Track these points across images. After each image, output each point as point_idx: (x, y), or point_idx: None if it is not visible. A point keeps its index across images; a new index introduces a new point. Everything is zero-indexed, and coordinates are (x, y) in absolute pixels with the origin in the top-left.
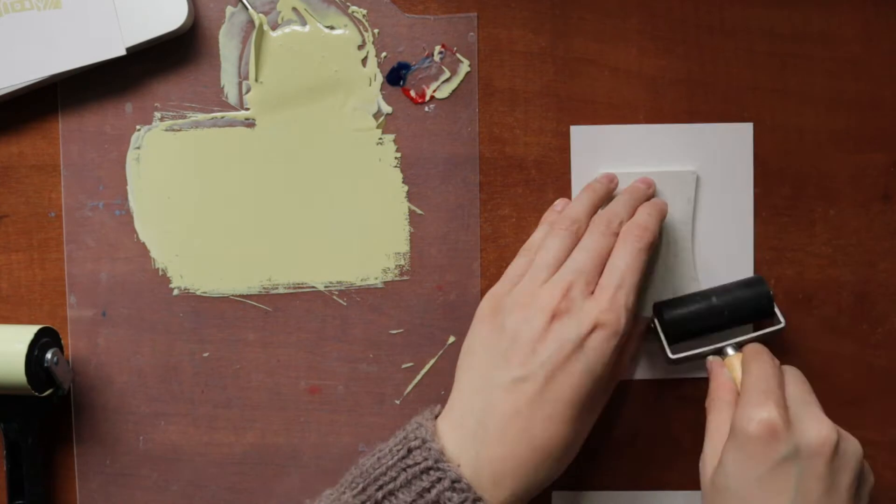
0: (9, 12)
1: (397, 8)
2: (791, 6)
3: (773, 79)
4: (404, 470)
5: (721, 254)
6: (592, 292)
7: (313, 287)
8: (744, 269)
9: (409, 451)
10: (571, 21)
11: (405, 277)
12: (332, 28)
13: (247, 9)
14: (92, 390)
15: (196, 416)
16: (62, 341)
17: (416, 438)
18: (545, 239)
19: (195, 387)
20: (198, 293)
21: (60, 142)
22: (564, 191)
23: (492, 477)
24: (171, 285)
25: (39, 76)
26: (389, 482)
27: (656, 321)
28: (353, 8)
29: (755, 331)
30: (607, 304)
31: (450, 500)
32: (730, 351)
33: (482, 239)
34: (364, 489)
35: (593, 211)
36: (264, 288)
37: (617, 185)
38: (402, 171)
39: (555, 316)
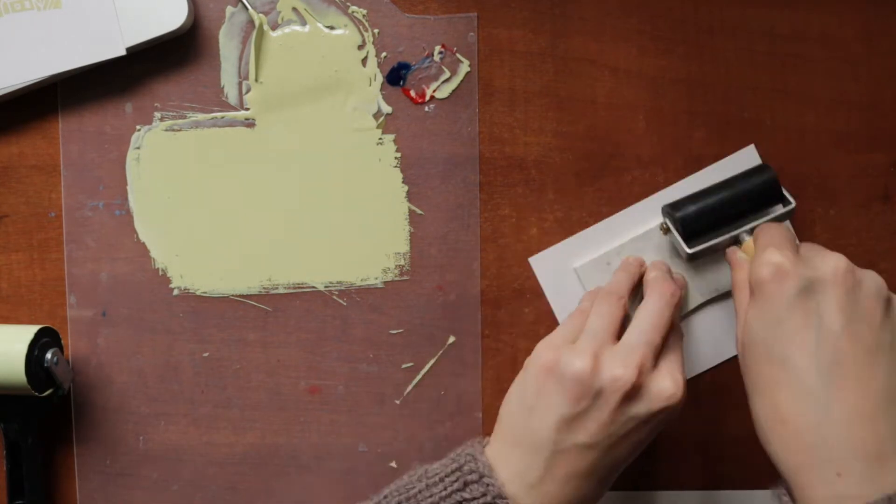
0: (9, 12)
1: (397, 8)
2: (791, 6)
3: (773, 79)
4: (460, 503)
5: None
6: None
7: (313, 287)
8: None
9: (466, 484)
10: (571, 21)
11: (405, 277)
12: (332, 28)
13: (247, 9)
14: (92, 390)
15: (196, 416)
16: (62, 341)
17: (472, 472)
18: (594, 306)
19: (195, 387)
20: (198, 293)
21: (60, 142)
22: (564, 191)
23: None
24: (171, 285)
25: (39, 76)
26: None
27: (668, 221)
28: (353, 8)
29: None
30: (675, 386)
31: None
32: (745, 237)
33: (482, 239)
34: None
35: (631, 289)
36: (264, 288)
37: (645, 270)
38: (402, 171)
39: (627, 394)
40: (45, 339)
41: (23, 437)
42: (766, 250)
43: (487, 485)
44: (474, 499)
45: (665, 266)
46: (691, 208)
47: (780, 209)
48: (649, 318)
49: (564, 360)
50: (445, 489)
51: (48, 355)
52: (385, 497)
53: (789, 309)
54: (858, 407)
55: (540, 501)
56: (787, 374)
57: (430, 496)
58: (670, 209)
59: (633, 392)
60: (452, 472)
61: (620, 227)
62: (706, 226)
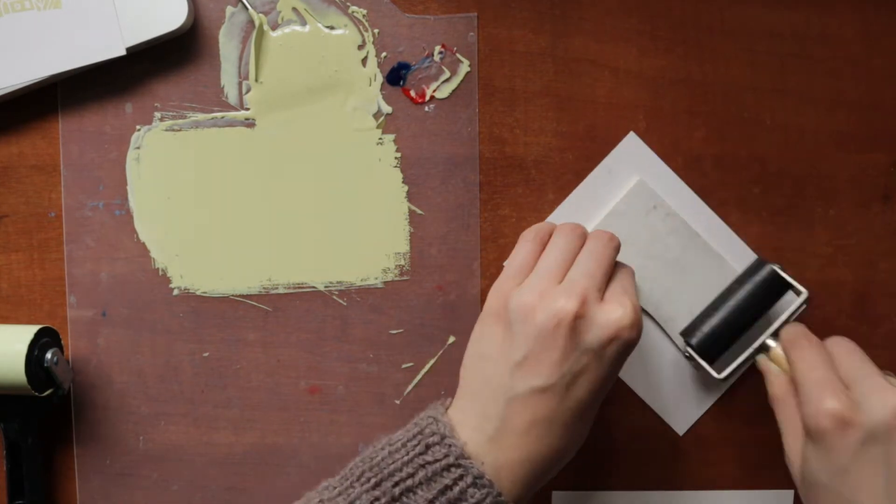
0: (9, 12)
1: (397, 8)
2: (791, 6)
3: (773, 79)
4: (423, 466)
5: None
6: (602, 299)
7: (313, 287)
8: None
9: (427, 447)
10: (571, 21)
11: (405, 277)
12: (332, 28)
13: (247, 9)
14: (92, 390)
15: (196, 416)
16: (62, 341)
17: (433, 434)
18: (553, 238)
19: (195, 387)
20: (198, 293)
21: (60, 142)
22: (564, 191)
23: (510, 477)
24: (171, 285)
25: (39, 76)
26: (407, 478)
27: (690, 350)
28: (353, 8)
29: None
30: (623, 312)
31: (472, 496)
32: (771, 343)
33: (482, 239)
34: (378, 484)
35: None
36: (264, 288)
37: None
38: (402, 171)
39: (573, 327)
40: (45, 339)
41: (23, 437)
42: (819, 396)
43: (449, 445)
44: (436, 461)
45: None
46: (705, 330)
47: (794, 298)
48: (590, 256)
49: (511, 303)
50: (408, 454)
51: (48, 355)
52: (350, 469)
53: (856, 459)
54: None
55: (502, 457)
56: None
57: (393, 462)
58: (685, 336)
59: (579, 322)
60: (414, 436)
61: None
62: (725, 341)
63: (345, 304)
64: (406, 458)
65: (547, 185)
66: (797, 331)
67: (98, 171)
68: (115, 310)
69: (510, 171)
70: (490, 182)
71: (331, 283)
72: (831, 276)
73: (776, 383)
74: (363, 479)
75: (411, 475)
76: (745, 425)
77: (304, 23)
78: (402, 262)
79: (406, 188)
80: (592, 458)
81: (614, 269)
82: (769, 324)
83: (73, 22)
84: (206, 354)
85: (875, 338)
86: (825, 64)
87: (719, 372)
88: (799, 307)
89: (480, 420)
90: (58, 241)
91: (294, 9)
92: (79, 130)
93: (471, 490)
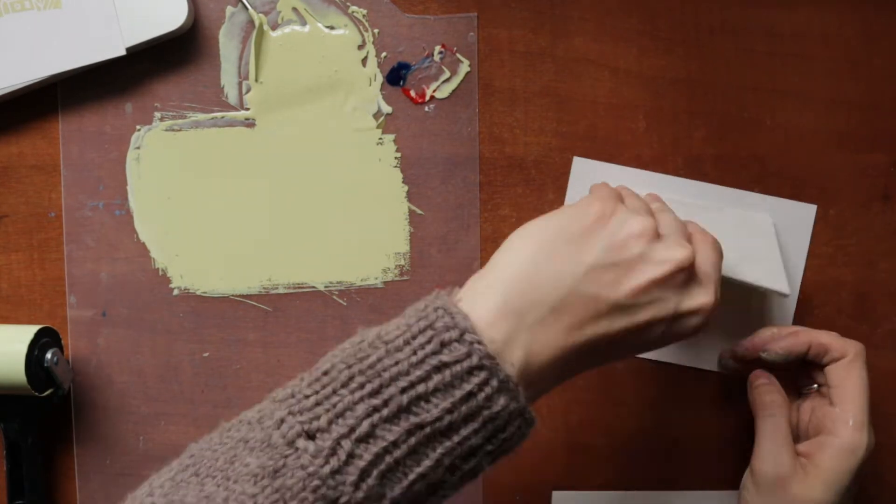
0: (9, 12)
1: (397, 8)
2: (791, 6)
3: (773, 79)
4: (438, 370)
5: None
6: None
7: (313, 287)
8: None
9: (443, 345)
10: (571, 21)
11: (405, 277)
12: (332, 28)
13: (247, 9)
14: (92, 390)
15: (196, 416)
16: (62, 341)
17: (449, 329)
18: (625, 192)
19: (195, 387)
20: (198, 293)
21: (60, 142)
22: (564, 191)
23: (537, 372)
24: (171, 285)
25: (39, 76)
26: (418, 383)
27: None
28: (353, 8)
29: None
30: (713, 296)
31: (496, 403)
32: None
33: (482, 239)
34: (377, 391)
35: None
36: (264, 288)
37: None
38: (402, 171)
39: (682, 274)
40: (45, 339)
41: (23, 437)
42: (865, 429)
43: (471, 343)
44: (457, 361)
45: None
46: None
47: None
48: (674, 220)
49: (623, 214)
50: (414, 353)
51: (48, 355)
52: (328, 370)
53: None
54: None
55: (531, 352)
56: None
57: (396, 364)
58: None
59: (685, 276)
60: (422, 330)
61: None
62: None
63: (345, 304)
64: (415, 360)
65: (547, 185)
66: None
67: (98, 171)
68: (115, 310)
69: (510, 171)
70: (490, 182)
71: (331, 283)
72: (831, 276)
73: (766, 393)
74: (354, 385)
75: (423, 379)
76: (744, 426)
77: (304, 23)
78: (402, 262)
79: (406, 188)
80: (592, 457)
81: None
82: None
83: (73, 22)
84: (206, 354)
85: (875, 338)
86: (825, 64)
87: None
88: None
89: (521, 305)
90: (58, 241)
91: (294, 9)
92: (79, 130)
93: (496, 396)
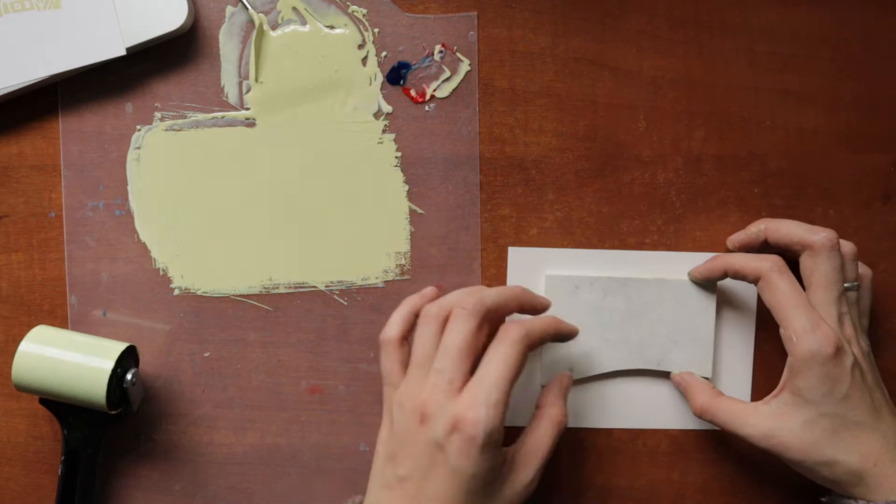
0: (9, 12)
1: (397, 7)
2: (791, 6)
3: (773, 79)
4: None
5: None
6: (460, 389)
7: (314, 287)
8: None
9: None
10: (571, 21)
11: (406, 277)
12: (332, 28)
13: (247, 9)
14: None
15: (196, 416)
16: (139, 360)
17: None
18: (417, 330)
19: (195, 387)
20: (198, 293)
21: (60, 142)
22: (564, 191)
23: None
24: (172, 285)
25: (39, 76)
26: None
27: None
28: (354, 7)
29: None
30: (466, 404)
31: None
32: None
33: (482, 239)
34: None
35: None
36: (265, 288)
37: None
38: (402, 171)
39: (422, 419)
40: (128, 358)
41: (84, 448)
42: (817, 322)
43: None
44: None
45: (520, 293)
46: None
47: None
48: (444, 343)
49: (391, 404)
50: None
51: (128, 375)
52: None
53: (851, 382)
54: None
55: None
56: (869, 432)
57: None
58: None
59: (427, 418)
60: None
61: (618, 263)
62: None
63: (345, 303)
64: None
65: (547, 185)
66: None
67: (98, 171)
68: (116, 310)
69: (510, 171)
70: (490, 182)
71: (331, 282)
72: None
73: (700, 393)
74: None
75: None
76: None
77: (304, 22)
78: (403, 262)
79: (406, 188)
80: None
81: (494, 348)
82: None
83: (73, 22)
84: (206, 354)
85: (875, 338)
86: (825, 64)
87: None
88: None
89: None
90: (58, 241)
91: (294, 8)
92: (79, 130)
93: None
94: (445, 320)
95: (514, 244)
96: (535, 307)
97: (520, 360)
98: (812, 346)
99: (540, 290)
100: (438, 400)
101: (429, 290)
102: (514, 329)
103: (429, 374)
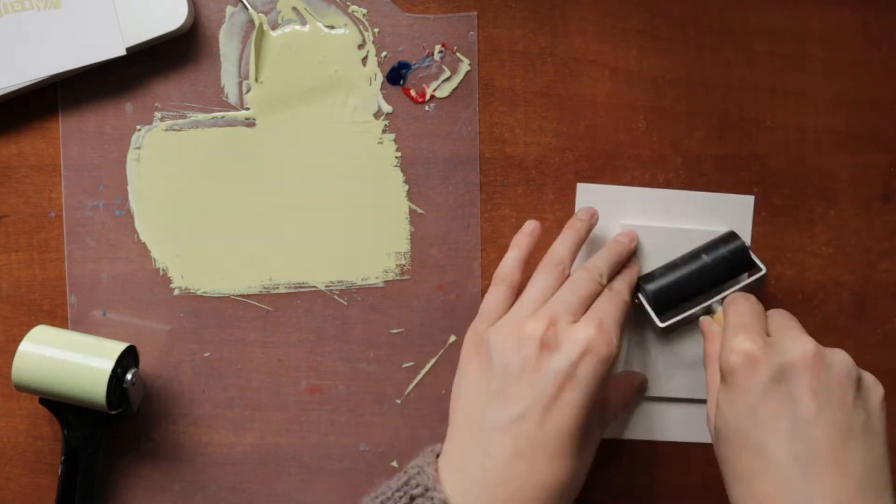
0: (9, 12)
1: (397, 7)
2: (791, 6)
3: (773, 79)
4: None
5: None
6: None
7: (314, 287)
8: None
9: (412, 498)
10: (571, 21)
11: (406, 277)
12: (332, 28)
13: (247, 9)
14: None
15: (196, 416)
16: (139, 359)
17: (417, 486)
18: (534, 275)
19: (195, 387)
20: (198, 293)
21: (60, 142)
22: (564, 191)
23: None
24: (172, 285)
25: (39, 76)
26: None
27: (640, 296)
28: (354, 7)
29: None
30: (595, 330)
31: None
32: (717, 307)
33: (482, 239)
34: None
35: (576, 251)
36: (265, 288)
37: (596, 221)
38: (402, 171)
39: (543, 346)
40: (128, 358)
41: (84, 448)
42: (735, 336)
43: (432, 498)
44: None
45: (632, 235)
46: (662, 282)
47: (750, 276)
48: (567, 287)
49: (486, 337)
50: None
51: (128, 376)
52: None
53: (762, 397)
54: (838, 495)
55: (489, 498)
56: (765, 463)
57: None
58: (642, 282)
59: (548, 344)
60: (401, 486)
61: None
62: (678, 297)
63: (345, 303)
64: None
65: (547, 185)
66: (742, 294)
67: (98, 171)
68: (116, 310)
69: (510, 171)
70: (490, 182)
71: (331, 282)
72: (831, 276)
73: (713, 342)
74: None
75: None
76: None
77: (304, 22)
78: (403, 262)
79: (407, 188)
80: None
81: (604, 294)
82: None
83: (73, 22)
84: (206, 354)
85: (875, 338)
86: (825, 64)
87: (663, 322)
88: (753, 281)
89: (463, 459)
90: (58, 241)
91: (294, 8)
92: (79, 130)
93: None
94: (564, 276)
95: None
96: (629, 259)
97: (623, 323)
98: (715, 371)
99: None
100: (562, 328)
101: (535, 227)
102: (622, 284)
103: (542, 309)
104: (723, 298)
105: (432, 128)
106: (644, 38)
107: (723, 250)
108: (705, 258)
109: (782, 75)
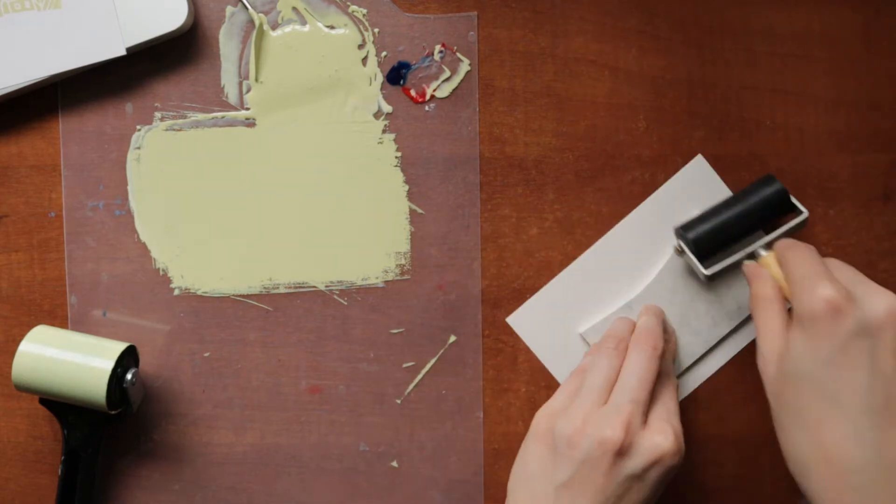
0: (9, 12)
1: (397, 7)
2: (791, 6)
3: (773, 79)
4: None
5: None
6: (645, 421)
7: (314, 287)
8: None
9: None
10: (571, 21)
11: (406, 277)
12: (332, 27)
13: (247, 9)
14: None
15: (196, 416)
16: (139, 359)
17: None
18: (593, 359)
19: (195, 387)
20: (198, 293)
21: (60, 142)
22: (564, 191)
23: None
24: (172, 285)
25: (39, 76)
26: None
27: (682, 244)
28: (354, 7)
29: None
30: (670, 441)
31: None
32: (762, 252)
33: (482, 239)
34: None
35: (632, 328)
36: (265, 288)
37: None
38: (402, 171)
39: (618, 455)
40: (128, 358)
41: (84, 448)
42: (820, 282)
43: None
44: None
45: (657, 311)
46: (703, 228)
47: (792, 219)
48: (634, 374)
49: (557, 429)
50: None
51: (128, 375)
52: None
53: (842, 348)
54: None
55: None
56: (837, 413)
57: None
58: (682, 231)
59: (624, 451)
60: None
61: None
62: (719, 244)
63: (345, 303)
64: None
65: (547, 185)
66: (793, 240)
67: (98, 171)
68: (116, 310)
69: (510, 171)
70: (490, 182)
71: (331, 282)
72: None
73: (763, 284)
74: None
75: None
76: (741, 422)
77: (304, 22)
78: (403, 262)
79: (406, 188)
80: None
81: (658, 380)
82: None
83: (73, 22)
84: (206, 354)
85: None
86: (825, 64)
87: (708, 269)
88: (795, 225)
89: None
90: (58, 241)
91: (294, 8)
92: (79, 130)
93: None
94: (623, 351)
95: (514, 244)
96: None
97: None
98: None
99: (572, 348)
100: (636, 430)
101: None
102: (668, 363)
103: (619, 403)
104: (768, 244)
105: (432, 128)
106: (644, 38)
107: (763, 194)
108: (745, 203)
109: (782, 75)
